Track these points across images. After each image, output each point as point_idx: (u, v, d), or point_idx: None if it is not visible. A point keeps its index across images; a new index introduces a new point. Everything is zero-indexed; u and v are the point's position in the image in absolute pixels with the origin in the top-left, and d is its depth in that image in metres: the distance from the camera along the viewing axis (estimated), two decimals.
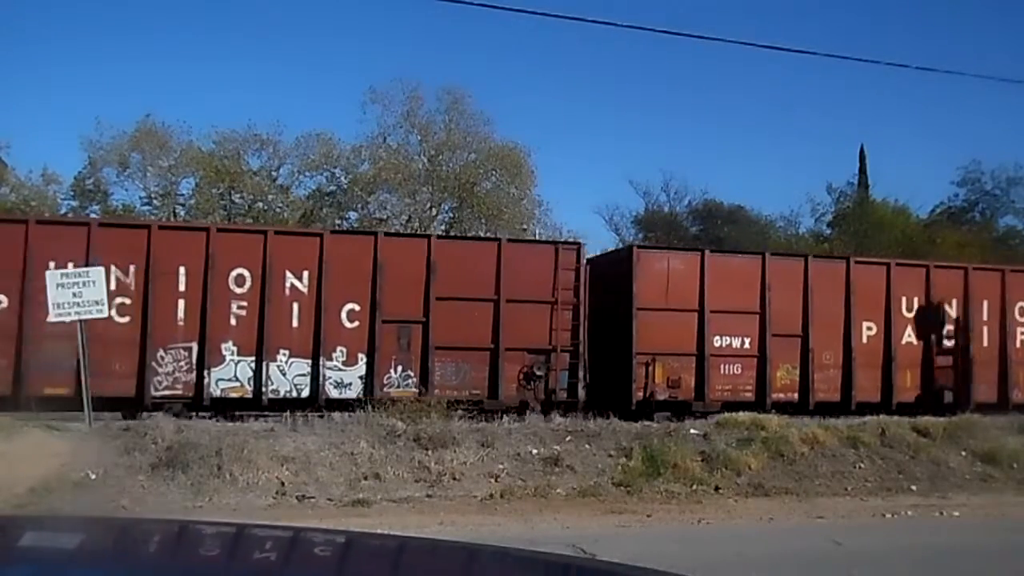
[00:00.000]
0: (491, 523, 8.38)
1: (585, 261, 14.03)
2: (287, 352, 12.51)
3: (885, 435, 11.63)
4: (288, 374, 12.52)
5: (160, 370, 12.00)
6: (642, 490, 9.83)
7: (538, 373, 13.22)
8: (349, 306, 12.74)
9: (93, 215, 23.99)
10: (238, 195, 26.28)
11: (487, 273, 13.15)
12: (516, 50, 49.95)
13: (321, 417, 11.21)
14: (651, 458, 10.39)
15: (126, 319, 11.87)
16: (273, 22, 45.96)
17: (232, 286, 12.33)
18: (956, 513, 9.53)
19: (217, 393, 12.19)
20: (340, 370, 12.69)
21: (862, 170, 33.53)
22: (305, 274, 12.60)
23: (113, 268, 11.70)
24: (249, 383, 12.34)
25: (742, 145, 50.43)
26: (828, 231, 32.81)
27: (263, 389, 12.32)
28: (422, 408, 11.19)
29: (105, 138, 25.47)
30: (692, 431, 11.42)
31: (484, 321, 13.08)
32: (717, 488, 10.11)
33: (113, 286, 11.57)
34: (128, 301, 11.91)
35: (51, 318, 10.41)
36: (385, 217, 26.43)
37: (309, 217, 25.92)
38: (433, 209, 27.64)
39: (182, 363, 12.10)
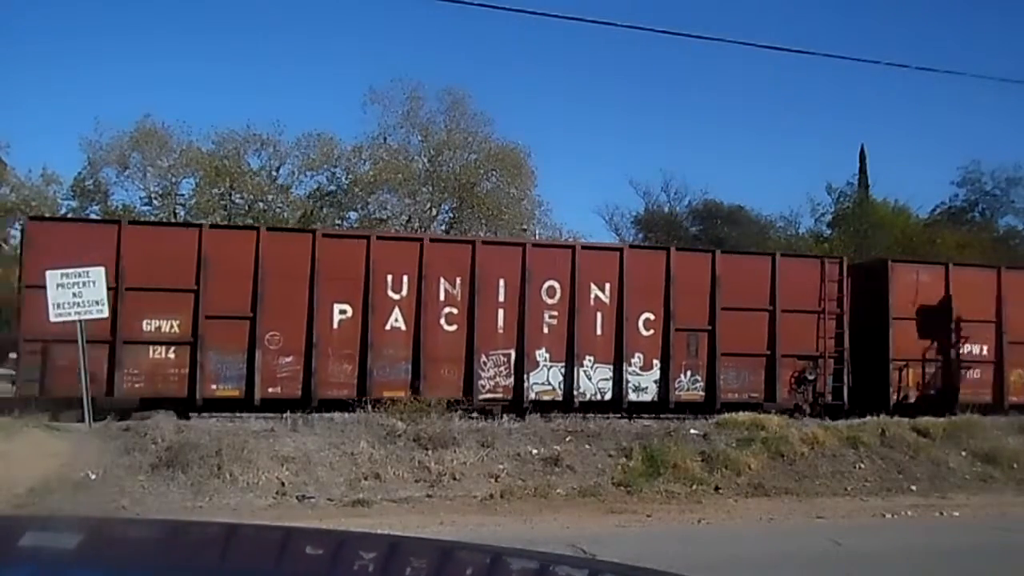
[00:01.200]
0: (491, 523, 8.38)
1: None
2: (592, 358, 13.56)
3: (885, 435, 11.64)
4: (593, 379, 13.58)
5: (483, 375, 13.09)
6: (642, 490, 9.83)
7: (809, 377, 14.27)
8: (645, 315, 13.82)
9: (93, 215, 24.03)
10: (238, 195, 26.27)
11: (763, 285, 14.25)
12: (516, 50, 50.03)
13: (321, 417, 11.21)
14: (651, 458, 10.39)
15: (453, 327, 13.02)
16: (273, 22, 46.02)
17: (544, 297, 13.46)
18: (956, 513, 9.53)
19: (532, 396, 13.17)
20: (638, 375, 13.75)
21: (862, 170, 33.53)
22: (607, 286, 13.67)
23: (442, 280, 13.02)
24: (560, 387, 13.39)
25: (742, 145, 50.54)
26: (828, 231, 32.81)
27: (573, 393, 13.33)
28: (421, 408, 11.20)
29: (105, 138, 25.47)
30: (692, 431, 11.43)
31: (761, 329, 14.19)
32: (717, 488, 10.11)
33: (442, 297, 12.98)
34: (455, 311, 13.07)
35: (51, 318, 10.42)
36: (385, 217, 26.43)
37: (309, 217, 25.90)
38: (433, 209, 27.64)
39: (502, 368, 13.22)
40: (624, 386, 13.49)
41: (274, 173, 27.31)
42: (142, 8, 43.50)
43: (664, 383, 13.71)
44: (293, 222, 24.53)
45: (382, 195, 26.85)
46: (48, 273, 10.49)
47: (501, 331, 13.17)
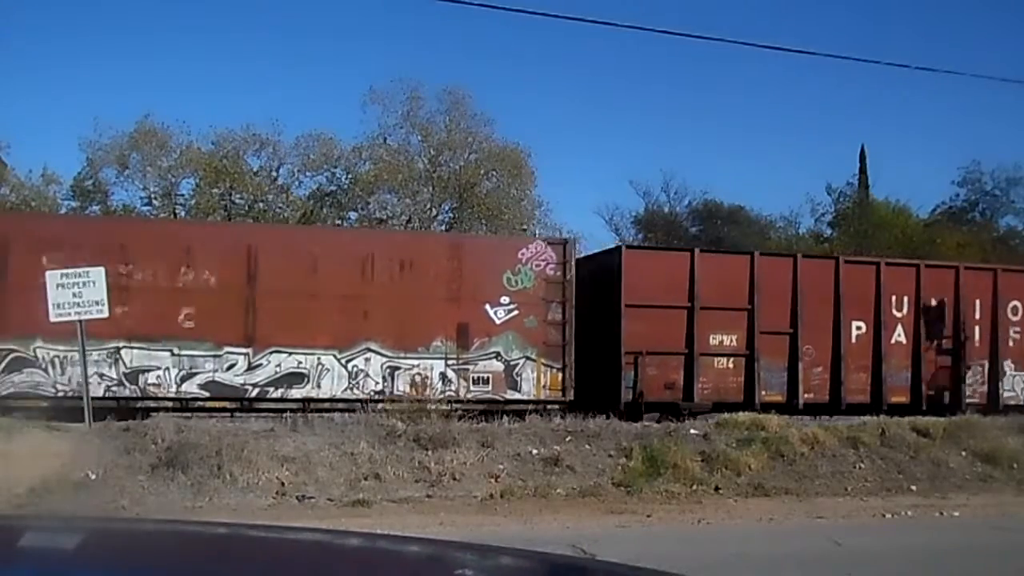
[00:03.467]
0: (491, 523, 8.39)
1: None
2: None
3: (885, 435, 11.64)
4: None
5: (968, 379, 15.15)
6: (642, 490, 9.83)
7: None
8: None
9: (93, 215, 24.02)
10: (238, 195, 26.29)
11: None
12: (516, 50, 50.00)
13: (321, 417, 11.23)
14: (651, 458, 10.39)
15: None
16: (273, 22, 46.02)
17: (1009, 315, 15.34)
18: (956, 513, 9.53)
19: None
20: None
21: (862, 170, 33.53)
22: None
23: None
24: None
25: (742, 145, 50.49)
26: (828, 231, 32.83)
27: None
28: (422, 408, 11.20)
29: (104, 138, 25.50)
30: (692, 431, 11.43)
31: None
32: (717, 488, 10.11)
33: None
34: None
35: (52, 318, 10.42)
36: (385, 218, 26.44)
37: (309, 217, 25.93)
38: (433, 210, 27.64)
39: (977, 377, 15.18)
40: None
41: (274, 173, 27.34)
42: (142, 8, 43.51)
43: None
44: (293, 222, 24.54)
45: (382, 195, 26.88)
46: (48, 273, 10.50)
47: (977, 344, 15.19)
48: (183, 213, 25.61)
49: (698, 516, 9.04)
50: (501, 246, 14.55)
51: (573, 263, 13.70)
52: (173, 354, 12.25)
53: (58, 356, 11.81)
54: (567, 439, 10.80)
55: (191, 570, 1.76)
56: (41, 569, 1.65)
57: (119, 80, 42.43)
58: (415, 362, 12.98)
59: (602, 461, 10.41)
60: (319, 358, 12.66)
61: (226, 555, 1.90)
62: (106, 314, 10.62)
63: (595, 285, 13.85)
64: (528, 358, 13.30)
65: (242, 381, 12.48)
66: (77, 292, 10.33)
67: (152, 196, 26.38)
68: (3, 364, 11.74)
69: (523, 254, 13.47)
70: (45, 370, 11.85)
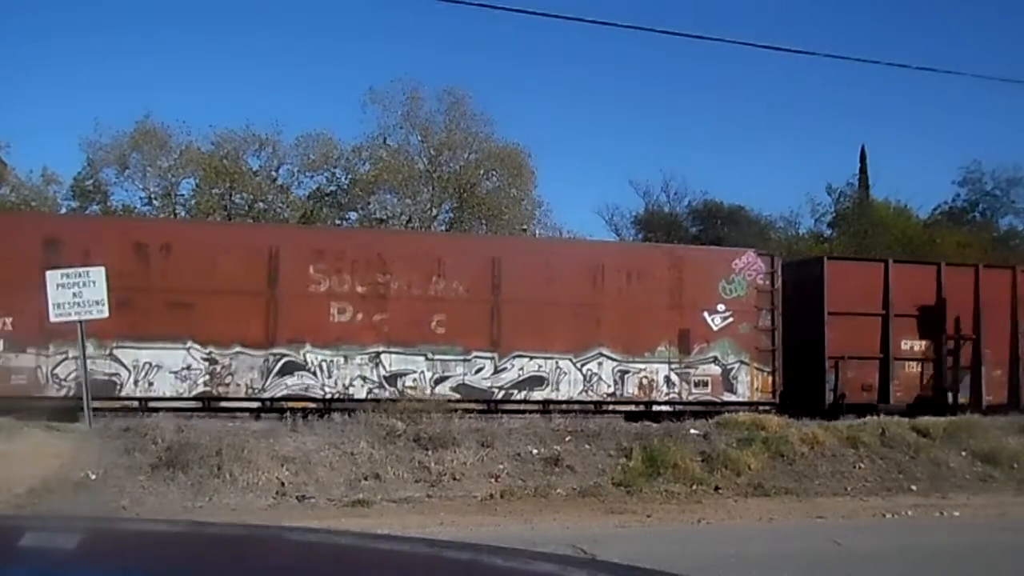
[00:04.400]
0: (491, 523, 8.39)
1: None
2: None
3: (885, 435, 11.65)
4: None
5: None
6: (642, 490, 9.84)
7: None
8: None
9: (93, 215, 24.01)
10: (238, 195, 26.28)
11: None
12: (516, 50, 50.00)
13: (321, 418, 11.25)
14: (651, 458, 10.40)
15: None
16: (273, 22, 45.99)
17: None
18: (956, 513, 9.54)
19: None
20: None
21: (863, 170, 33.51)
22: None
23: None
24: None
25: (742, 145, 50.46)
26: (828, 231, 32.81)
27: None
28: (422, 408, 11.20)
29: (104, 138, 25.48)
30: (692, 431, 11.44)
31: None
32: (717, 488, 10.12)
33: None
34: None
35: (52, 318, 10.41)
36: (385, 218, 26.43)
37: (309, 217, 25.92)
38: (433, 210, 27.63)
39: None
40: None
41: (274, 173, 27.32)
42: (142, 8, 43.51)
43: None
44: (293, 222, 24.54)
45: (382, 195, 26.86)
46: (48, 273, 10.50)
47: None
48: (183, 213, 25.60)
49: (698, 516, 9.04)
50: (717, 257, 15.22)
51: (780, 272, 14.50)
52: (427, 358, 13.09)
53: (325, 360, 12.72)
54: (567, 439, 10.81)
55: (191, 570, 1.76)
56: (41, 569, 1.65)
57: (119, 80, 42.43)
58: (642, 366, 13.89)
59: (602, 461, 10.42)
60: (557, 362, 13.53)
61: (226, 555, 1.90)
62: (106, 314, 10.61)
63: (797, 293, 14.64)
64: (742, 362, 14.18)
65: (489, 384, 13.30)
66: (77, 292, 10.33)
67: (152, 196, 26.37)
68: (277, 367, 12.53)
69: (736, 264, 14.38)
70: (314, 373, 12.69)
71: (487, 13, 20.98)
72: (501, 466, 10.04)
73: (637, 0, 40.34)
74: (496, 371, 13.25)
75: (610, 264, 13.97)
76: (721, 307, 14.08)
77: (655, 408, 13.59)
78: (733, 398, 13.98)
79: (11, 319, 11.62)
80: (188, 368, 12.15)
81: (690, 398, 13.83)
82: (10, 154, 25.20)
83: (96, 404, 10.83)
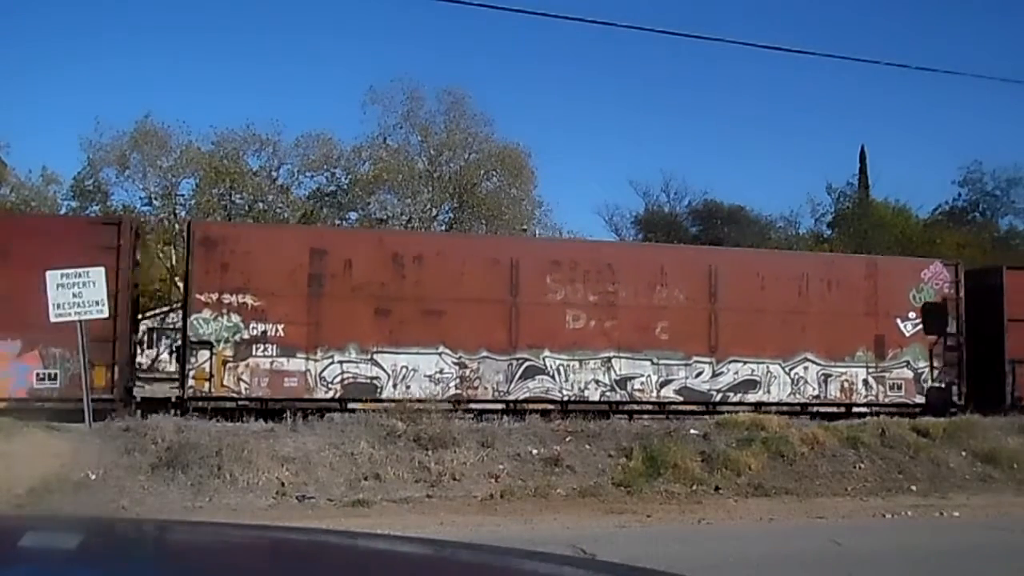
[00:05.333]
0: (491, 523, 8.38)
1: None
2: None
3: (885, 435, 11.64)
4: None
5: None
6: (642, 490, 9.83)
7: None
8: None
9: (93, 215, 24.02)
10: (238, 195, 26.31)
11: None
12: (516, 50, 50.10)
13: (321, 418, 11.25)
14: (651, 458, 10.39)
15: None
16: (273, 22, 46.04)
17: None
18: (956, 513, 9.53)
19: None
20: None
21: (862, 170, 33.57)
22: None
23: None
24: None
25: (742, 145, 50.66)
26: (828, 231, 32.84)
27: None
28: (422, 408, 11.20)
29: (104, 138, 25.55)
30: (692, 431, 11.44)
31: None
32: (717, 488, 10.11)
33: None
34: None
35: (52, 318, 10.41)
36: (385, 218, 26.45)
37: (309, 217, 25.94)
38: (433, 210, 27.66)
39: None
40: None
41: (274, 173, 27.37)
42: (142, 8, 43.51)
43: None
44: (293, 222, 24.55)
45: (382, 195, 26.90)
46: (48, 273, 10.49)
47: None
48: (183, 213, 25.63)
49: (698, 516, 9.04)
50: (907, 266, 15.97)
51: (963, 282, 15.33)
52: (653, 363, 13.99)
53: (562, 364, 13.63)
54: (567, 439, 10.80)
55: (191, 570, 1.76)
56: (41, 569, 1.65)
57: (119, 80, 42.66)
58: (843, 370, 14.76)
59: (602, 461, 10.41)
60: (768, 366, 14.42)
61: (226, 555, 1.90)
62: (106, 314, 10.61)
63: (974, 300, 15.45)
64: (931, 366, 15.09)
65: (708, 387, 14.18)
66: (77, 292, 10.33)
67: (152, 196, 26.42)
68: (519, 371, 13.45)
69: (925, 274, 15.31)
70: (552, 377, 13.58)
71: (487, 13, 21.02)
72: (501, 466, 10.03)
73: (638, 0, 40.37)
74: (714, 375, 14.14)
75: (813, 273, 14.92)
76: (912, 314, 14.97)
77: (854, 410, 14.42)
78: (923, 400, 14.88)
79: (283, 326, 12.56)
80: (440, 372, 13.11)
81: (886, 400, 14.74)
82: (10, 154, 25.32)
83: (357, 406, 11.97)
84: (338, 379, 12.67)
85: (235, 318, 12.37)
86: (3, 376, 11.51)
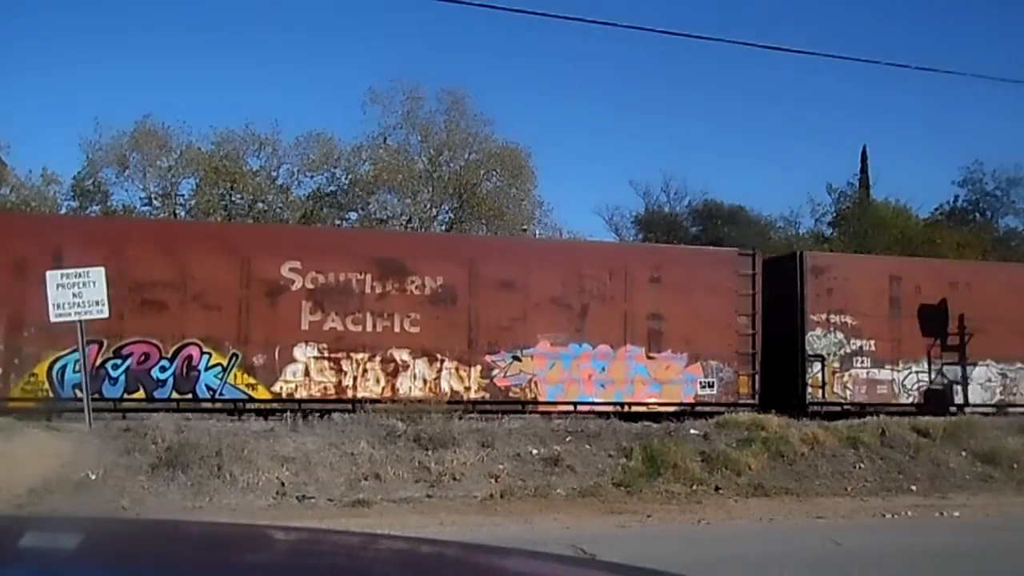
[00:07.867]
0: (491, 523, 8.39)
1: None
2: None
3: (885, 435, 11.64)
4: None
5: None
6: (642, 490, 9.83)
7: None
8: None
9: (93, 215, 24.02)
10: (238, 195, 26.28)
11: None
12: (516, 50, 50.01)
13: (321, 418, 11.25)
14: (651, 458, 10.39)
15: None
16: (273, 22, 46.00)
17: None
18: (956, 513, 9.53)
19: None
20: None
21: (863, 170, 33.50)
22: None
23: None
24: None
25: (742, 145, 50.47)
26: (828, 231, 32.80)
27: None
28: (422, 408, 11.20)
29: (104, 138, 25.48)
30: (692, 431, 11.43)
31: None
32: (717, 488, 10.11)
33: None
34: None
35: (52, 318, 10.41)
36: (385, 218, 26.43)
37: (309, 218, 25.91)
38: (434, 210, 27.62)
39: None
40: None
41: (274, 173, 27.32)
42: (142, 8, 43.49)
43: None
44: (293, 222, 24.54)
45: (382, 195, 26.86)
46: (48, 273, 10.50)
47: None
48: (183, 213, 25.60)
49: (698, 516, 9.04)
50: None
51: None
52: None
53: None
54: (567, 439, 10.80)
55: (191, 570, 1.76)
56: (41, 569, 1.65)
57: (119, 80, 42.46)
58: None
59: (602, 461, 10.41)
60: None
61: (226, 555, 1.90)
62: (106, 314, 10.61)
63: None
64: None
65: None
66: (77, 292, 10.33)
67: (152, 196, 26.36)
68: None
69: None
70: None
71: (487, 13, 20.98)
72: (501, 466, 10.03)
73: (638, 0, 40.36)
74: None
75: None
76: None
77: None
78: None
79: (873, 342, 14.98)
80: (988, 380, 15.41)
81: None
82: (10, 154, 25.23)
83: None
84: (915, 387, 14.99)
85: (839, 335, 14.87)
86: (674, 384, 14.17)
